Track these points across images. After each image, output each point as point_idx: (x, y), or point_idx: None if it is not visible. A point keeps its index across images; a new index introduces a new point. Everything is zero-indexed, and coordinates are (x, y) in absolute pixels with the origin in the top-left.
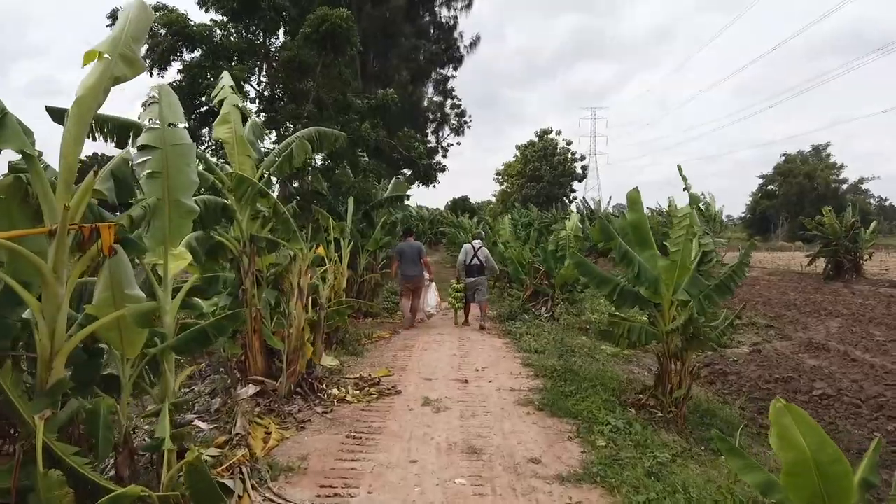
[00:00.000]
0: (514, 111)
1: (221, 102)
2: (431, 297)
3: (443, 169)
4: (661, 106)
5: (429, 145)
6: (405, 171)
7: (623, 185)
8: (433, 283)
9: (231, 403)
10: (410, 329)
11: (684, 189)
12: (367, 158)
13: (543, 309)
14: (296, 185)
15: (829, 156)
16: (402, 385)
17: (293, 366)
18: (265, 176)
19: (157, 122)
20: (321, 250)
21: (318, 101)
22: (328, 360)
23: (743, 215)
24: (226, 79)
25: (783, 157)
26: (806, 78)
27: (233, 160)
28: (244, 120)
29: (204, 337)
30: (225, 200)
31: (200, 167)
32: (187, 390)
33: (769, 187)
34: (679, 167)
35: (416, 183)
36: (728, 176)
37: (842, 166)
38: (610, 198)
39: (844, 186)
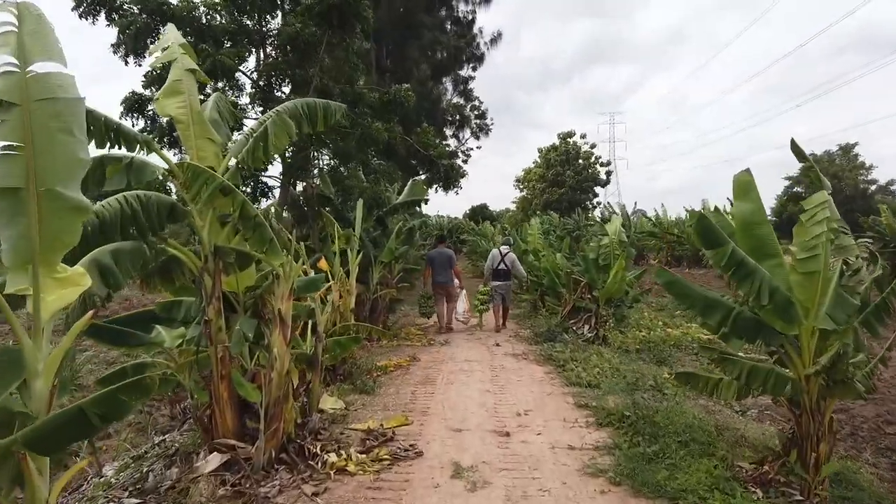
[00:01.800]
0: (530, 117)
1: (167, 68)
2: (461, 305)
3: (463, 175)
4: (679, 109)
5: (448, 149)
6: (422, 174)
7: (642, 191)
8: (464, 291)
9: (185, 483)
10: (441, 334)
11: (804, 168)
12: (378, 161)
13: (587, 327)
14: (300, 188)
15: (856, 156)
16: (423, 441)
17: (274, 424)
18: (235, 166)
19: (13, 60)
20: (324, 264)
21: (323, 90)
22: (330, 403)
23: (770, 219)
24: (171, 32)
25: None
26: (826, 79)
27: (188, 145)
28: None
29: (80, 422)
30: (174, 199)
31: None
32: (133, 456)
33: (795, 189)
34: (792, 140)
35: (435, 187)
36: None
37: (871, 167)
38: (635, 203)
39: (873, 188)
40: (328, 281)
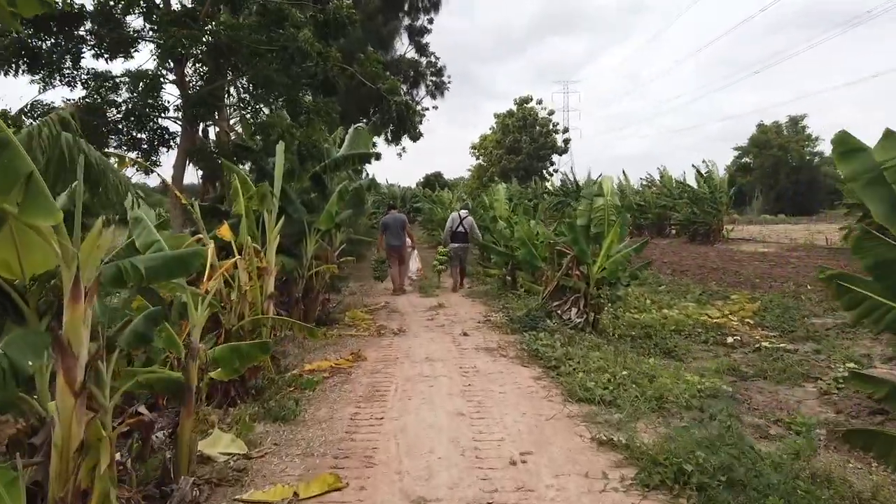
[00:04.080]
0: (485, 87)
1: None
2: (413, 265)
3: (420, 118)
4: (632, 80)
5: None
6: (366, 121)
7: (596, 161)
8: (415, 251)
9: None
10: (396, 296)
11: None
12: (311, 97)
13: (574, 311)
14: (208, 129)
15: (804, 128)
16: None
17: None
18: None
19: None
20: (225, 231)
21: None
22: (223, 445)
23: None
24: None
25: (758, 127)
26: (774, 51)
27: None
28: None
29: None
30: None
31: None
32: None
33: (744, 160)
34: None
35: (385, 136)
36: (700, 149)
37: (818, 139)
38: (589, 171)
39: (818, 159)
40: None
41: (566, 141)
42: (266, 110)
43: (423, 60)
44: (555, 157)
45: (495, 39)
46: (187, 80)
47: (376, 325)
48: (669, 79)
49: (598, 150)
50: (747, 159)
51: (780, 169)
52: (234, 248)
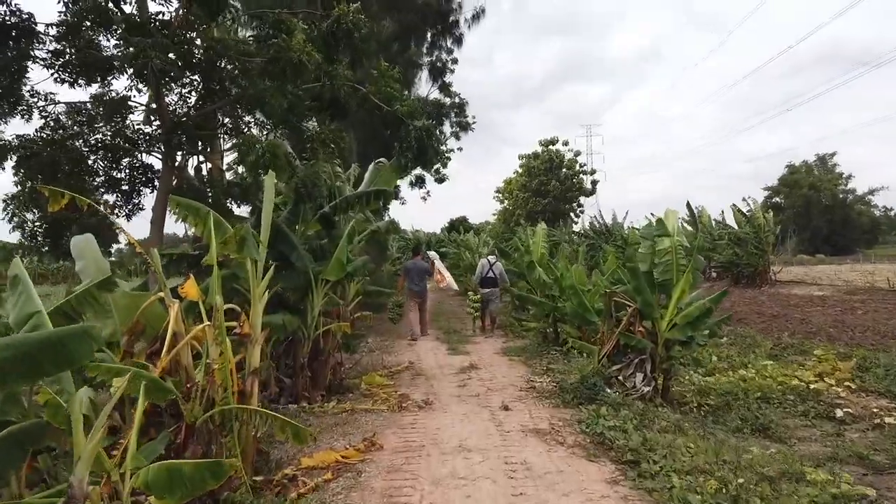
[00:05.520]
0: (505, 134)
1: None
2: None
3: (444, 152)
4: (652, 125)
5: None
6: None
7: (619, 204)
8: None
9: None
10: (414, 342)
11: None
12: (315, 124)
13: (640, 377)
14: (202, 166)
15: (835, 165)
16: None
17: None
18: None
19: None
20: (190, 288)
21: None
22: None
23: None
24: None
25: (787, 168)
26: (794, 93)
27: None
28: None
29: None
30: None
31: None
32: None
33: (774, 199)
34: None
35: (407, 169)
36: (723, 190)
37: (849, 176)
38: (626, 212)
39: (851, 197)
40: (205, 317)
41: (594, 182)
42: (252, 131)
43: (447, 101)
44: (582, 199)
45: (513, 88)
46: (171, 107)
47: (397, 395)
48: (689, 122)
49: (620, 194)
50: (778, 199)
51: (812, 208)
52: (203, 309)
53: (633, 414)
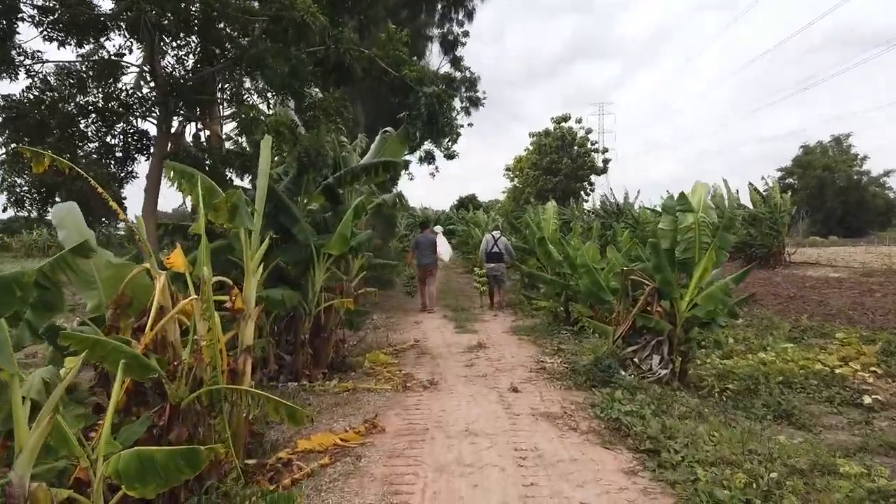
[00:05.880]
0: (516, 111)
1: None
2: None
3: (451, 156)
4: (664, 104)
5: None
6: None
7: (633, 182)
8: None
9: None
10: (425, 311)
11: None
12: (318, 91)
13: (656, 359)
14: (199, 134)
15: (850, 146)
16: None
17: None
18: None
19: None
20: (177, 259)
21: None
22: None
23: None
24: None
25: (802, 149)
26: (807, 74)
27: None
28: None
29: None
30: None
31: None
32: None
33: (788, 180)
34: None
35: (417, 141)
36: (734, 172)
37: (864, 158)
38: (638, 192)
39: (865, 179)
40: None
41: (605, 161)
42: (263, 106)
43: (458, 75)
44: (593, 178)
45: (524, 65)
46: (168, 70)
47: (402, 375)
48: (701, 103)
49: (632, 174)
50: (791, 180)
51: (826, 189)
52: (190, 282)
53: (650, 398)
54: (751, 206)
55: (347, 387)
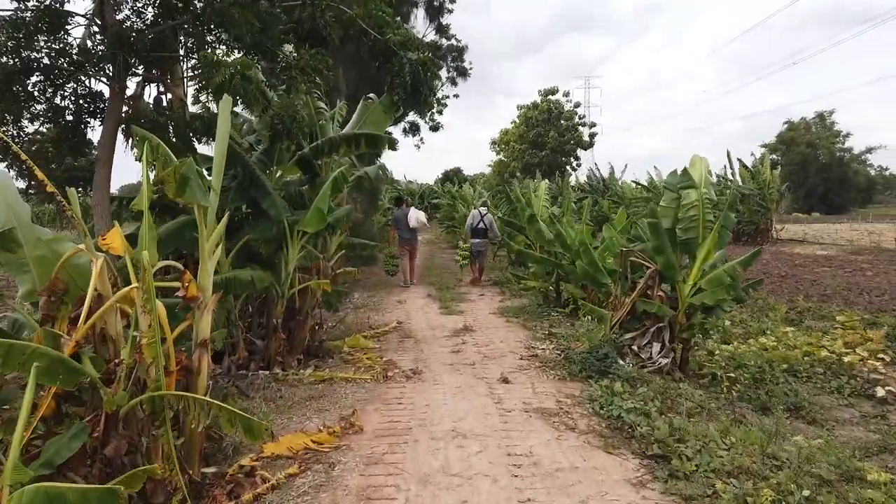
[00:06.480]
0: (502, 85)
1: None
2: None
3: (436, 127)
4: (649, 79)
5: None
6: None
7: (616, 158)
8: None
9: None
10: (406, 288)
11: None
12: (291, 48)
13: (656, 347)
14: (161, 98)
15: (833, 123)
16: None
17: None
18: None
19: None
20: (114, 238)
21: None
22: None
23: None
24: None
25: (785, 125)
26: (793, 50)
27: None
28: None
29: None
30: None
31: None
32: None
33: (772, 157)
34: None
35: (399, 107)
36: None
37: (847, 134)
38: (626, 166)
39: (847, 156)
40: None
41: (592, 135)
42: (214, 51)
43: (445, 43)
44: (579, 152)
45: (511, 38)
46: (122, 23)
47: (383, 362)
48: (687, 78)
49: (618, 149)
50: (774, 156)
51: (809, 166)
52: (130, 267)
53: (653, 392)
54: (739, 182)
55: (323, 376)
